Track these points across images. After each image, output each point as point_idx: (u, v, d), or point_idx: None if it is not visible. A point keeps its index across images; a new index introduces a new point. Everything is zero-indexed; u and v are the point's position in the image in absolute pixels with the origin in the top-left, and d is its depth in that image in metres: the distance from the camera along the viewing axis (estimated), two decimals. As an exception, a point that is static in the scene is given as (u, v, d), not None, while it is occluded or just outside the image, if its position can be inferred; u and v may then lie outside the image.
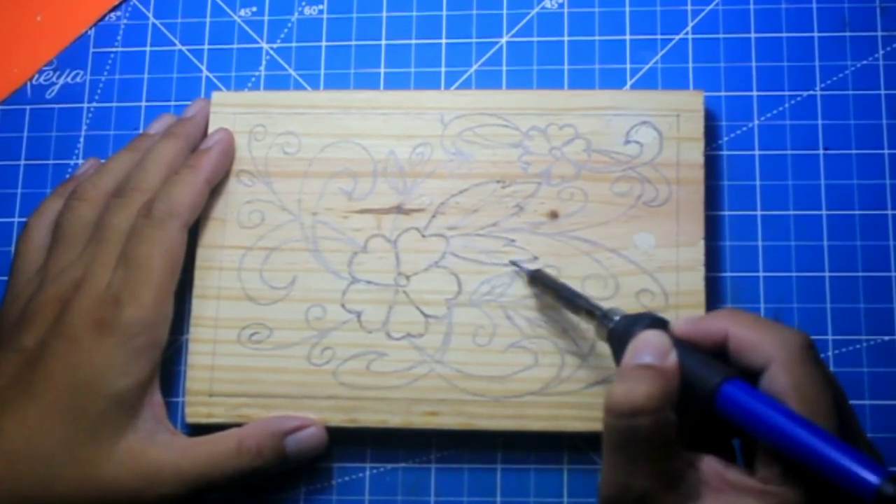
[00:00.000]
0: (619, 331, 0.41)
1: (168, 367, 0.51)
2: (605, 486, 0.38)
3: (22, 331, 0.46)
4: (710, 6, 0.52)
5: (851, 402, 0.47)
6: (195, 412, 0.48)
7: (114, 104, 0.55)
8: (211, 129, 0.51)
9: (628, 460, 0.37)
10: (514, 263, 0.48)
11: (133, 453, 0.45)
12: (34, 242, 0.50)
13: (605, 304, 0.43)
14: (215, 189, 0.50)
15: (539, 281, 0.47)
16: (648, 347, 0.38)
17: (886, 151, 0.50)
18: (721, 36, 0.52)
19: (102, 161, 0.52)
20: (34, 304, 0.46)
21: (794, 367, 0.37)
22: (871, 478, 0.34)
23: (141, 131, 0.53)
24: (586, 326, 0.45)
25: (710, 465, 0.38)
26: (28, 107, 0.55)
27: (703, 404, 0.37)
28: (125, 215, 0.47)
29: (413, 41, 0.54)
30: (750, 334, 0.38)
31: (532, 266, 0.48)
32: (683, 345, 0.39)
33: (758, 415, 0.36)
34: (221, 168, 0.50)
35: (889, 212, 0.50)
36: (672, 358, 0.38)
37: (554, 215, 0.49)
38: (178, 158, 0.49)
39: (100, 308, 0.45)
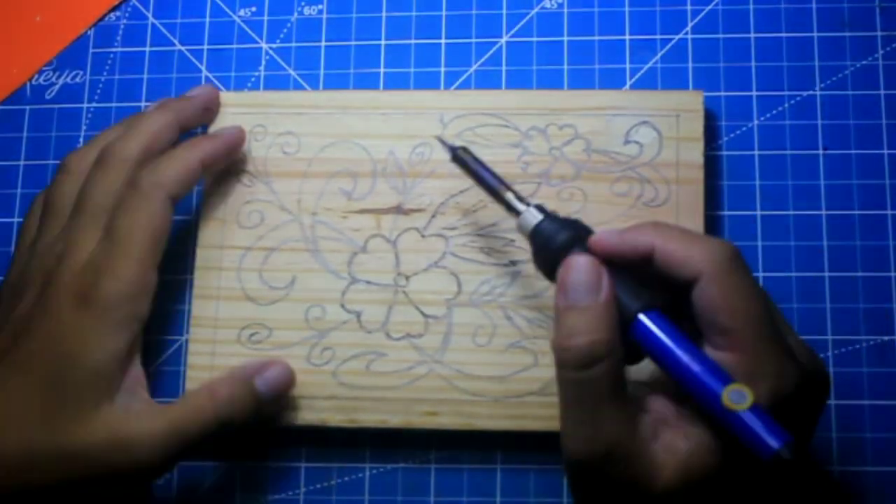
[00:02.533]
0: (544, 236, 0.40)
1: (168, 367, 0.51)
2: (570, 443, 0.37)
3: (11, 305, 0.46)
4: (710, 6, 0.52)
5: (851, 402, 0.48)
6: (195, 412, 0.48)
7: (113, 104, 0.55)
8: (211, 129, 0.51)
9: (591, 411, 0.37)
10: (438, 139, 0.47)
11: (107, 425, 0.44)
12: (34, 218, 0.49)
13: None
14: (215, 189, 0.50)
15: (461, 161, 0.45)
16: (579, 279, 0.38)
17: (886, 151, 0.50)
18: (721, 36, 0.52)
19: None
20: (22, 279, 0.47)
21: (722, 279, 0.37)
22: (772, 442, 0.34)
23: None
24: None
25: (660, 403, 0.38)
26: (28, 107, 0.55)
27: (621, 331, 0.37)
28: (104, 185, 0.47)
29: (413, 41, 0.54)
30: (677, 248, 0.37)
31: (457, 143, 0.46)
32: (607, 266, 0.38)
33: (670, 354, 0.36)
34: (221, 154, 0.49)
35: (888, 212, 0.50)
36: (606, 289, 0.37)
37: (554, 215, 0.49)
38: (163, 130, 0.48)
39: (80, 281, 0.45)
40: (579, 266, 0.38)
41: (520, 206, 0.42)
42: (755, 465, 0.35)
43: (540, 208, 0.41)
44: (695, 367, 0.36)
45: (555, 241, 0.40)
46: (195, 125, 0.50)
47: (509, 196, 0.43)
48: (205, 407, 0.45)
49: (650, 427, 0.37)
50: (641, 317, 0.37)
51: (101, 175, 0.47)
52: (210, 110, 0.51)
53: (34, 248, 0.47)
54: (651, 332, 0.37)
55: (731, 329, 0.36)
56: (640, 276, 0.38)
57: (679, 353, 0.36)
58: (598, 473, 0.37)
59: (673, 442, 0.37)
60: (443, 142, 0.46)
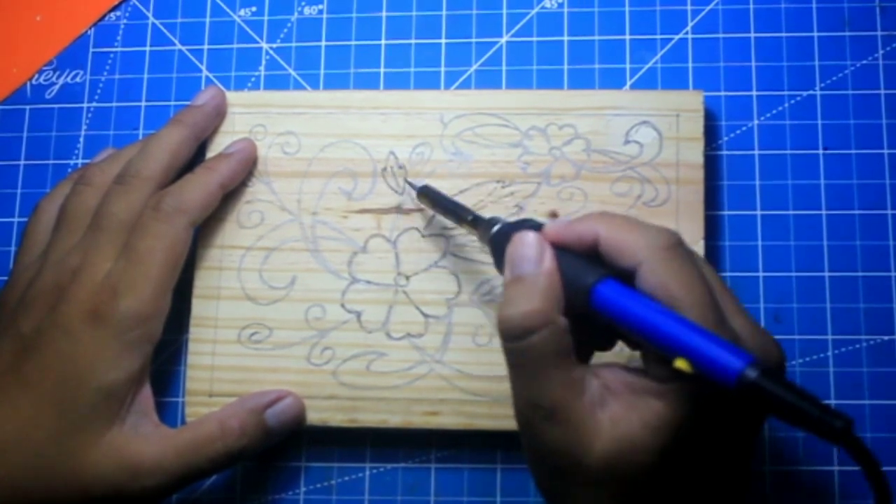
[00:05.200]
0: (500, 238, 0.41)
1: (168, 367, 0.51)
2: (516, 409, 0.38)
3: (20, 316, 0.46)
4: (710, 6, 0.52)
5: (851, 402, 0.48)
6: (195, 412, 0.48)
7: (114, 104, 0.55)
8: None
9: (531, 378, 0.37)
10: (406, 182, 0.49)
11: (116, 446, 0.44)
12: (41, 225, 0.49)
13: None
14: (215, 189, 0.50)
15: (427, 196, 0.48)
16: (522, 253, 0.38)
17: (886, 151, 0.50)
18: (721, 36, 0.52)
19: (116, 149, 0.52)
20: (33, 290, 0.46)
21: (660, 267, 0.37)
22: (735, 363, 0.34)
23: (140, 132, 0.54)
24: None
25: (612, 372, 0.38)
26: (28, 107, 0.55)
27: (580, 307, 0.38)
28: (125, 203, 0.47)
29: (413, 41, 0.54)
30: (618, 237, 0.38)
31: (419, 184, 0.48)
32: (558, 249, 0.39)
33: (629, 312, 0.36)
34: (238, 176, 0.50)
35: (889, 212, 0.50)
36: (547, 260, 0.38)
37: (554, 215, 0.49)
38: (181, 147, 0.49)
39: (95, 298, 0.45)
40: (522, 240, 0.39)
41: (480, 223, 0.44)
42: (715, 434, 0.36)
43: (497, 219, 0.43)
44: (655, 317, 0.36)
45: (508, 238, 0.40)
46: (210, 133, 0.51)
47: (471, 217, 0.45)
48: (214, 438, 0.46)
49: (598, 394, 0.37)
50: (598, 287, 0.37)
51: (121, 193, 0.47)
52: (221, 114, 0.51)
53: (46, 258, 0.47)
54: (608, 299, 0.37)
55: None
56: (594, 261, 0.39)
57: (638, 309, 0.36)
58: (539, 435, 0.37)
59: (617, 412, 0.36)
60: (409, 182, 0.49)
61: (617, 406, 0.37)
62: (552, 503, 0.39)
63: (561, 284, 0.38)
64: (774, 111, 0.51)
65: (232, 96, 0.52)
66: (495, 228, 0.42)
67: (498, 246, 0.41)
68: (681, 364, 0.35)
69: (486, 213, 0.48)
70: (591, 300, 0.37)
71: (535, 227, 0.40)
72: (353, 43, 0.54)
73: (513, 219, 0.43)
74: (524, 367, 0.37)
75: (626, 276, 0.37)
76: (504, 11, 0.54)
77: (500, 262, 0.41)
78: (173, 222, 0.46)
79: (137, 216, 0.47)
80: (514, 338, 0.37)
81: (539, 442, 0.38)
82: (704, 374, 0.34)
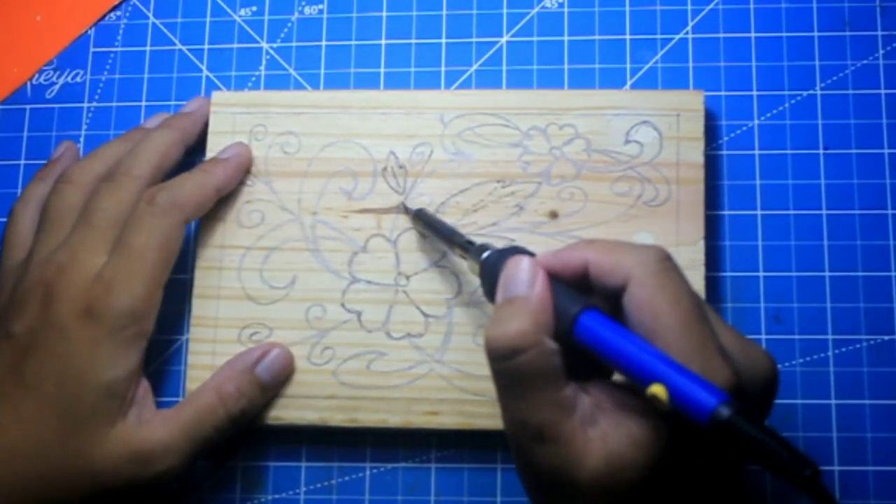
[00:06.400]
0: (490, 264, 0.41)
1: (168, 367, 0.51)
2: (505, 428, 0.38)
3: (11, 318, 0.45)
4: (710, 6, 0.52)
5: (851, 401, 0.48)
6: (195, 412, 0.48)
7: (114, 104, 0.55)
8: (211, 129, 0.51)
9: (519, 398, 0.37)
10: (403, 205, 0.49)
11: (123, 440, 0.44)
12: (21, 227, 0.49)
13: None
14: (215, 188, 0.50)
15: (421, 219, 0.48)
16: (515, 276, 0.38)
17: (886, 151, 0.50)
18: (721, 35, 0.52)
19: (76, 144, 0.53)
20: (22, 290, 0.46)
21: (649, 282, 0.37)
22: (709, 400, 0.33)
23: (141, 131, 0.54)
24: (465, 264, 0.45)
25: (601, 390, 0.38)
26: (28, 107, 0.55)
27: (566, 338, 0.37)
28: (114, 200, 0.47)
29: (413, 41, 0.54)
30: (607, 257, 0.38)
31: (415, 207, 0.49)
32: (551, 278, 0.39)
33: (608, 344, 0.36)
34: (233, 181, 0.50)
35: (889, 211, 0.50)
36: (539, 284, 0.38)
37: (554, 215, 0.49)
38: (171, 149, 0.49)
39: (88, 295, 0.45)
40: (517, 264, 0.39)
41: (470, 248, 0.44)
42: (695, 454, 0.36)
43: (488, 246, 0.42)
44: (632, 350, 0.36)
45: (498, 265, 0.40)
46: (195, 141, 0.51)
47: (463, 241, 0.45)
48: (215, 406, 0.46)
49: (589, 412, 0.37)
50: (580, 317, 0.37)
51: (111, 189, 0.47)
52: (204, 123, 0.52)
53: (32, 257, 0.47)
54: (588, 330, 0.37)
55: (655, 330, 0.36)
56: (582, 291, 0.39)
57: (617, 341, 0.36)
58: (528, 454, 0.37)
59: (606, 430, 0.36)
60: (406, 207, 0.49)
61: (606, 423, 0.36)
62: None
63: (552, 310, 0.38)
64: (775, 111, 0.51)
65: (232, 96, 0.52)
66: (485, 255, 0.42)
67: (487, 272, 0.41)
68: (657, 390, 0.34)
69: (491, 218, 0.49)
70: (573, 331, 0.37)
71: (526, 254, 0.40)
72: (353, 43, 0.54)
73: (508, 239, 0.45)
74: (512, 388, 0.37)
75: (617, 300, 0.37)
76: (504, 11, 0.54)
77: (488, 289, 0.41)
78: (167, 217, 0.46)
79: (126, 213, 0.46)
80: (502, 358, 0.37)
81: (529, 461, 0.37)
82: (678, 410, 0.34)
